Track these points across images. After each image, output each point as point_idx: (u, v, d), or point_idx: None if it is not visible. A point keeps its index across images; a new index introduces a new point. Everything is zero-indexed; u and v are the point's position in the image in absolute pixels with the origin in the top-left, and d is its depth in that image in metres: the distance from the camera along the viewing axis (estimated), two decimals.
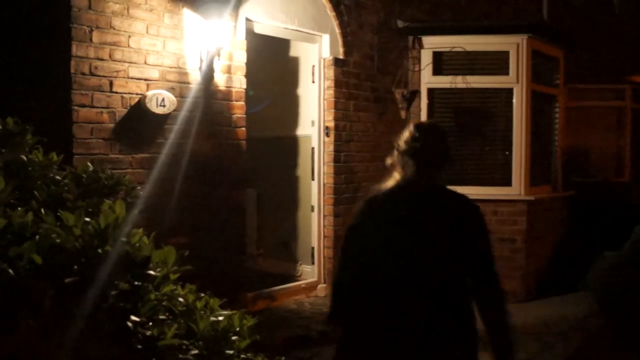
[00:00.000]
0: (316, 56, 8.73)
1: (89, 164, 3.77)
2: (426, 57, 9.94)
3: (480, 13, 11.55)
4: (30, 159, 3.30)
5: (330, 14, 8.62)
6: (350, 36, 8.88)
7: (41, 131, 3.62)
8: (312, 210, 8.83)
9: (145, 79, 6.33)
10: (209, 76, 6.92)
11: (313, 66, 8.78)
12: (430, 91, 10.02)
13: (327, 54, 8.69)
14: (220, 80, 7.05)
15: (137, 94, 6.24)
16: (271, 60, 9.16)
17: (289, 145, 9.30)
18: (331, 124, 8.62)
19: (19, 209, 2.72)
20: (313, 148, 8.80)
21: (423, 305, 3.49)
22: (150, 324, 2.63)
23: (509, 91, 9.92)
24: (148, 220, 3.71)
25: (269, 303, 8.03)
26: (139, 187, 4.02)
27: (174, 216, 6.51)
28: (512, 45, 9.85)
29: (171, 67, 6.58)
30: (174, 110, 6.52)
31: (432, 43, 9.95)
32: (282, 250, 9.32)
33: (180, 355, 2.66)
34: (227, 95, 7.13)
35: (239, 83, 7.26)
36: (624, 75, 13.25)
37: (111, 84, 6.05)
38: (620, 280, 8.31)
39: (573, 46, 11.23)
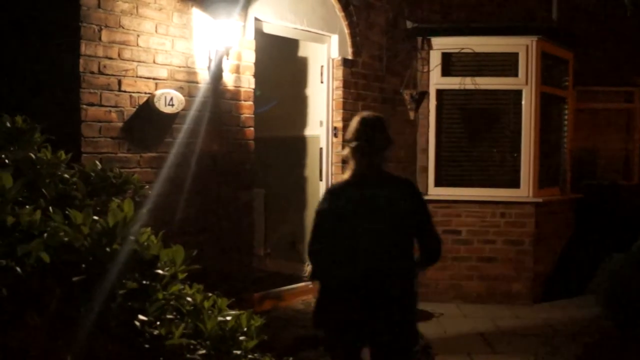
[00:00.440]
0: (325, 56, 8.71)
1: (97, 162, 3.77)
2: (435, 58, 9.93)
3: (490, 14, 11.51)
4: (38, 157, 3.30)
5: (339, 14, 8.61)
6: (359, 37, 8.86)
7: (50, 129, 3.63)
8: None
9: (154, 78, 6.33)
10: (217, 76, 6.91)
11: (322, 66, 8.77)
12: (439, 92, 10.01)
13: (335, 54, 8.67)
14: (228, 79, 7.04)
15: (145, 93, 6.24)
16: (280, 61, 9.15)
17: (297, 146, 9.29)
18: (339, 125, 8.59)
19: (27, 207, 2.72)
20: (321, 148, 8.78)
21: (371, 265, 4.49)
22: (158, 323, 2.62)
23: (518, 93, 9.91)
24: (156, 220, 3.71)
25: (276, 303, 8.02)
26: (147, 186, 4.02)
27: (182, 216, 6.50)
28: (522, 46, 9.84)
29: (180, 67, 6.57)
30: (183, 110, 6.51)
31: (441, 44, 9.93)
32: (290, 251, 9.30)
33: (188, 355, 2.65)
34: (235, 95, 7.12)
35: (248, 83, 7.25)
36: (634, 78, 13.19)
37: (120, 83, 6.04)
38: (628, 282, 8.29)
39: (583, 48, 11.21)
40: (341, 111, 8.64)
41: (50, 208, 2.81)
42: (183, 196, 6.54)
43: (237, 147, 7.17)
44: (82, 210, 2.68)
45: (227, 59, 6.97)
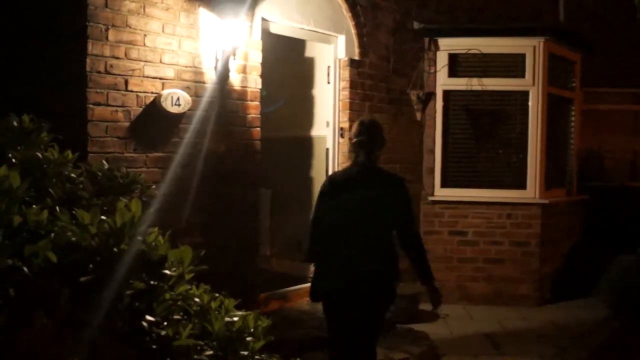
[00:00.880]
0: (332, 57, 8.70)
1: (104, 162, 3.76)
2: (442, 59, 9.91)
3: (497, 15, 11.50)
4: (45, 157, 3.29)
5: (346, 14, 8.60)
6: (366, 37, 8.85)
7: (56, 129, 3.63)
8: None
9: (161, 78, 6.32)
10: (224, 76, 6.90)
11: (328, 67, 8.75)
12: (446, 93, 10.00)
13: (342, 54, 8.66)
14: (235, 80, 7.03)
15: (152, 92, 6.23)
16: (286, 61, 9.13)
17: (304, 146, 9.27)
18: (346, 125, 8.57)
19: (34, 206, 2.71)
20: (328, 149, 8.77)
21: (362, 245, 5.16)
22: (165, 323, 2.62)
23: (525, 94, 9.89)
24: (162, 220, 3.70)
25: (282, 304, 8.01)
26: (153, 186, 4.01)
27: (188, 215, 6.50)
28: (529, 47, 9.83)
29: (187, 67, 6.56)
30: (189, 110, 6.50)
31: (448, 45, 9.92)
32: (296, 251, 9.29)
33: (195, 356, 2.65)
34: (242, 95, 7.11)
35: (254, 83, 7.25)
36: None
37: (126, 82, 6.04)
38: (635, 283, 8.27)
39: (590, 49, 11.18)
40: (348, 112, 8.62)
41: (57, 208, 2.81)
42: (190, 196, 6.54)
43: (244, 148, 7.16)
44: (89, 210, 2.67)
45: (234, 59, 6.96)
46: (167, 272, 2.69)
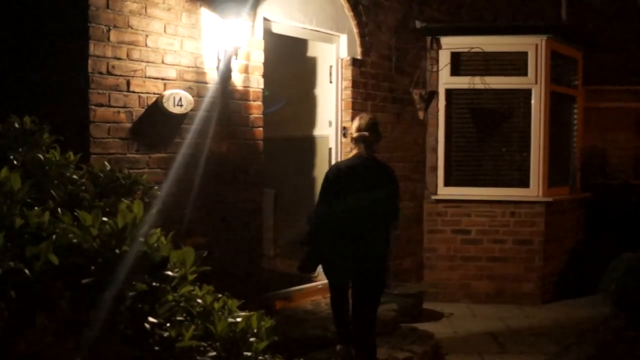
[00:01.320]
0: (334, 56, 8.70)
1: (106, 163, 3.76)
2: (444, 58, 9.91)
3: (499, 14, 11.50)
4: (47, 158, 3.28)
5: (348, 14, 8.59)
6: (368, 36, 8.84)
7: (58, 130, 3.62)
8: None
9: (163, 79, 6.32)
10: (226, 76, 6.90)
11: (330, 66, 8.75)
12: (448, 92, 10.00)
13: (344, 54, 8.66)
14: (237, 80, 7.03)
15: (154, 93, 6.23)
16: (289, 60, 9.12)
17: (306, 146, 9.27)
18: (348, 125, 8.54)
19: (36, 208, 2.70)
20: (330, 148, 8.75)
21: (362, 221, 6.26)
22: (168, 325, 2.60)
23: (528, 92, 9.89)
24: (165, 221, 3.69)
25: (286, 304, 8.00)
26: (156, 187, 4.00)
27: (191, 216, 6.49)
28: (531, 46, 9.81)
29: (188, 67, 6.56)
30: (191, 110, 6.50)
31: (450, 43, 9.91)
32: (299, 251, 9.27)
33: (198, 357, 2.63)
34: (244, 95, 7.10)
35: (257, 83, 7.24)
36: None
37: (128, 83, 6.04)
38: (639, 281, 8.27)
39: (592, 47, 11.17)
40: (350, 111, 8.61)
41: (59, 209, 2.80)
42: (192, 197, 6.53)
43: (246, 148, 7.15)
44: (91, 212, 2.66)
45: (236, 59, 6.96)
46: (169, 273, 2.68)
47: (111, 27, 5.90)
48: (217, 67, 6.82)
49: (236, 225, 7.04)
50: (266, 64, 7.40)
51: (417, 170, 9.89)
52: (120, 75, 5.97)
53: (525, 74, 9.85)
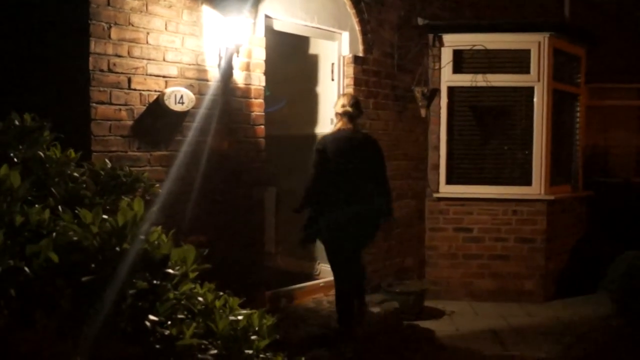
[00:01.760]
0: (336, 54, 8.69)
1: (107, 161, 3.75)
2: (446, 55, 9.88)
3: (501, 11, 11.48)
4: (47, 156, 3.28)
5: (350, 11, 8.57)
6: (370, 34, 8.83)
7: (59, 128, 3.60)
8: None
9: (164, 76, 6.31)
10: (227, 73, 6.89)
11: (332, 64, 8.73)
12: (451, 89, 9.97)
13: (346, 51, 8.64)
14: (239, 77, 7.02)
15: (155, 91, 6.22)
16: (290, 58, 9.11)
17: (308, 143, 9.22)
18: None
19: (36, 206, 2.69)
20: None
21: (351, 186, 6.97)
22: (169, 323, 2.60)
23: (530, 90, 9.86)
24: (166, 218, 3.69)
25: (287, 302, 8.00)
26: (157, 185, 3.99)
27: (193, 214, 6.48)
28: (534, 43, 9.78)
29: (190, 64, 6.55)
30: (193, 108, 6.49)
31: (453, 41, 9.88)
32: (301, 249, 9.27)
33: (199, 355, 2.63)
34: (246, 92, 7.10)
35: (258, 81, 7.23)
36: None
37: (129, 81, 6.03)
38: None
39: (595, 45, 11.15)
40: None
41: (60, 207, 2.79)
42: (193, 194, 6.52)
43: (248, 145, 7.15)
44: (92, 209, 2.65)
45: (238, 56, 6.95)
46: (170, 271, 2.67)
47: (112, 25, 5.88)
48: (219, 65, 6.81)
49: (238, 223, 7.04)
50: (268, 61, 7.39)
51: (419, 168, 9.87)
52: (122, 73, 5.96)
53: (528, 72, 9.82)
